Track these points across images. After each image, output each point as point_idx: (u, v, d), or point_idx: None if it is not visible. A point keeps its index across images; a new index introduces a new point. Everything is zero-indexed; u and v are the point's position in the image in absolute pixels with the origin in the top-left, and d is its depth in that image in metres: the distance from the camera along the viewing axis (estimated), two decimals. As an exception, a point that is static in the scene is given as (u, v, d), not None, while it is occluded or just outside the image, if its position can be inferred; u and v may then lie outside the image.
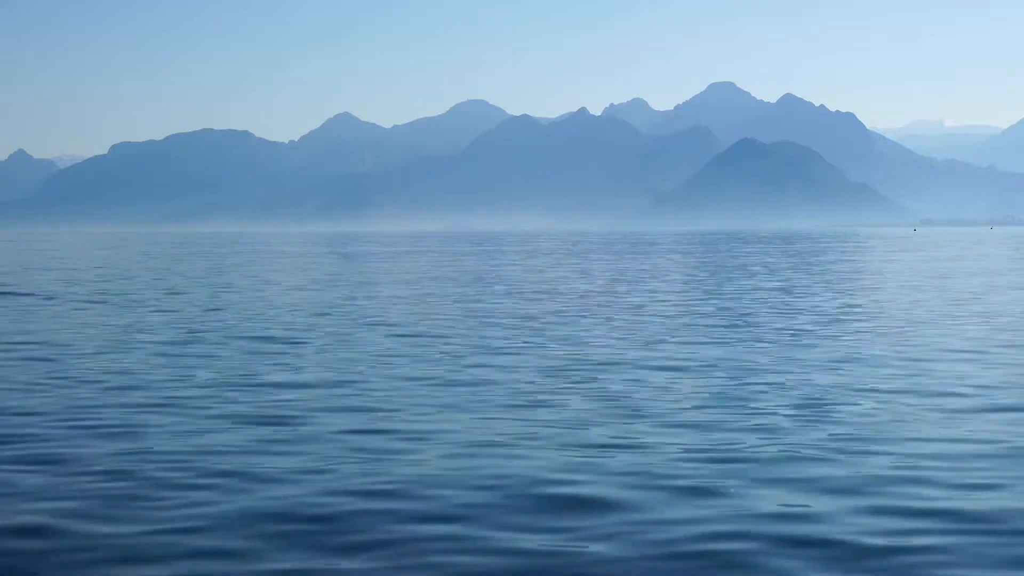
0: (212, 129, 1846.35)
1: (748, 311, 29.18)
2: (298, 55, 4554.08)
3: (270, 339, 22.43)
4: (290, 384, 16.17)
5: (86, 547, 8.46)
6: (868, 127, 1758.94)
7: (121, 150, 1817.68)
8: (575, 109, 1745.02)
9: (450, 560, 8.09)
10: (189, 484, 10.18)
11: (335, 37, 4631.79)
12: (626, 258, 78.55)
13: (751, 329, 24.13)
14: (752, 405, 14.14)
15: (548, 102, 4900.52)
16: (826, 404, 14.18)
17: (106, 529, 8.87)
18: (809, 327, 24.48)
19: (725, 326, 24.92)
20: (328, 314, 28.80)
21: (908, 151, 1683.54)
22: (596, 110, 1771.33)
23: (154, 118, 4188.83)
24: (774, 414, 13.49)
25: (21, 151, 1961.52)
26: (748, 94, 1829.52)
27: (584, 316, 27.79)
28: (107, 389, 15.72)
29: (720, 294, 36.76)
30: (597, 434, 12.34)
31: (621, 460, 11.03)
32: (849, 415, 13.43)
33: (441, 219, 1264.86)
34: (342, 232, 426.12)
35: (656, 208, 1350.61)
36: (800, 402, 14.36)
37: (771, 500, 9.56)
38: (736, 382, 16.11)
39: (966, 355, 19.27)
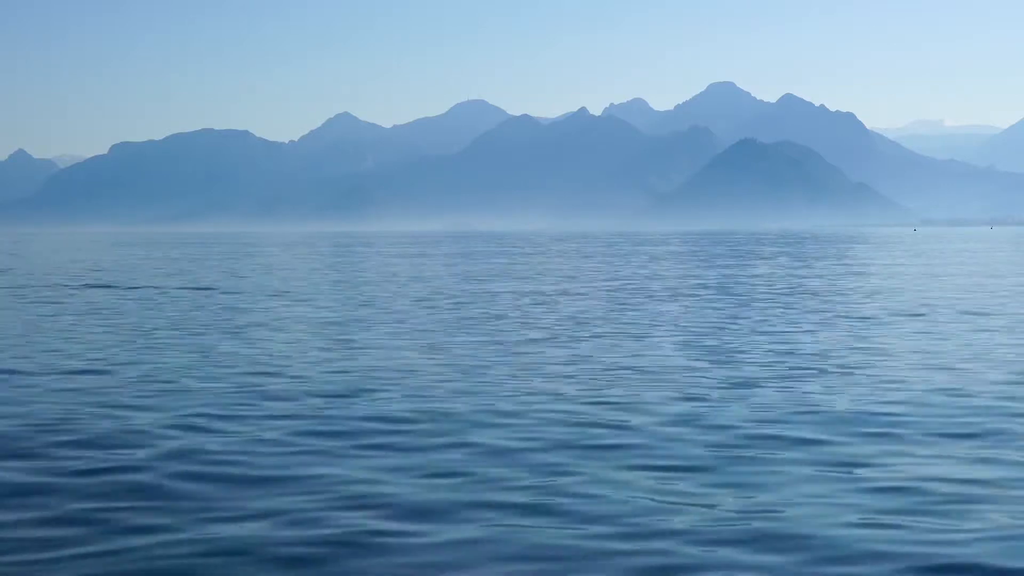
0: (212, 129, 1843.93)
1: None
2: (298, 55, 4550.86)
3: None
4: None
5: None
6: (868, 127, 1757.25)
7: (121, 150, 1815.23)
8: (575, 109, 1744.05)
9: None
10: None
11: (335, 37, 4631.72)
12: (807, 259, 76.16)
13: None
14: None
15: (548, 102, 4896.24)
16: None
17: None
18: None
19: None
20: None
21: (908, 151, 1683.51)
22: (596, 110, 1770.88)
23: (154, 118, 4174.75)
24: None
25: (21, 151, 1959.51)
26: (748, 94, 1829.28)
27: None
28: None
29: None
30: None
31: None
32: None
33: (441, 219, 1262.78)
34: (353, 232, 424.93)
35: (656, 208, 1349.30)
36: None
37: None
38: None
39: None
